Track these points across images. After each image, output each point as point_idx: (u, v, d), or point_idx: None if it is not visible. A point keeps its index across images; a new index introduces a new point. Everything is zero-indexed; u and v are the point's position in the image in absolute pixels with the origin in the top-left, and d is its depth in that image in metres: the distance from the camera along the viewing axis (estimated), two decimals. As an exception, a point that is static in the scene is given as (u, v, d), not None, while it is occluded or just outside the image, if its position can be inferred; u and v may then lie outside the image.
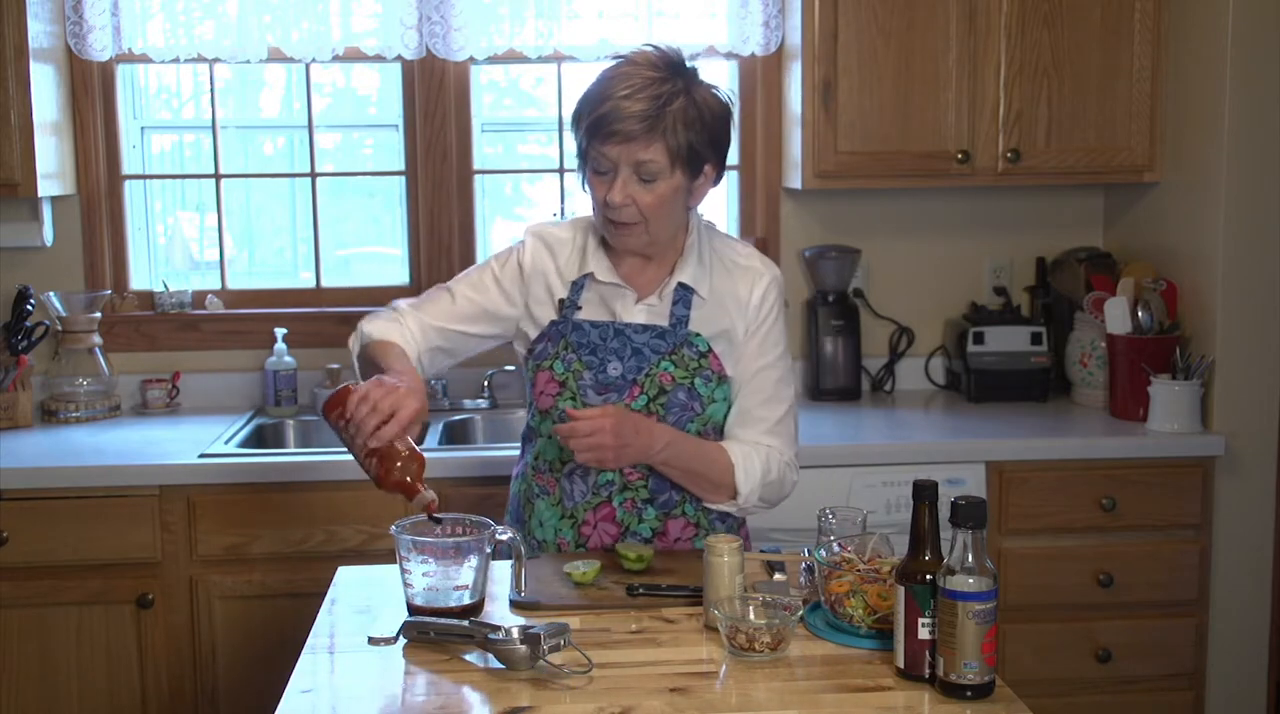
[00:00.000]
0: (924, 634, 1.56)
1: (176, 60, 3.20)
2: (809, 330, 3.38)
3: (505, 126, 3.55)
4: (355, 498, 2.74)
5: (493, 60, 3.31)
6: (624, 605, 1.87)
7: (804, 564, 1.93)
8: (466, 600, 1.82)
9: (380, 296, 3.39)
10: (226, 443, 2.93)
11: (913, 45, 3.06)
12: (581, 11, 3.25)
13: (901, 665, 1.59)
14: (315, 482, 2.76)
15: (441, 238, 3.37)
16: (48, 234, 3.25)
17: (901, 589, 1.57)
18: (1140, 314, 3.04)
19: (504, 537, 1.86)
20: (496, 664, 1.65)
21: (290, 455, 2.97)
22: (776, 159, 3.38)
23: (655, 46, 2.01)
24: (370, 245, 3.61)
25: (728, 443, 2.09)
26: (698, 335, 2.07)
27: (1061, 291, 3.38)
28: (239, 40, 3.18)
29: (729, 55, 3.33)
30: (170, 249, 3.52)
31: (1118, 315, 3.06)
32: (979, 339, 3.28)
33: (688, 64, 2.00)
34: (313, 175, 3.40)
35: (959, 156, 3.08)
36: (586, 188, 2.04)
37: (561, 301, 2.10)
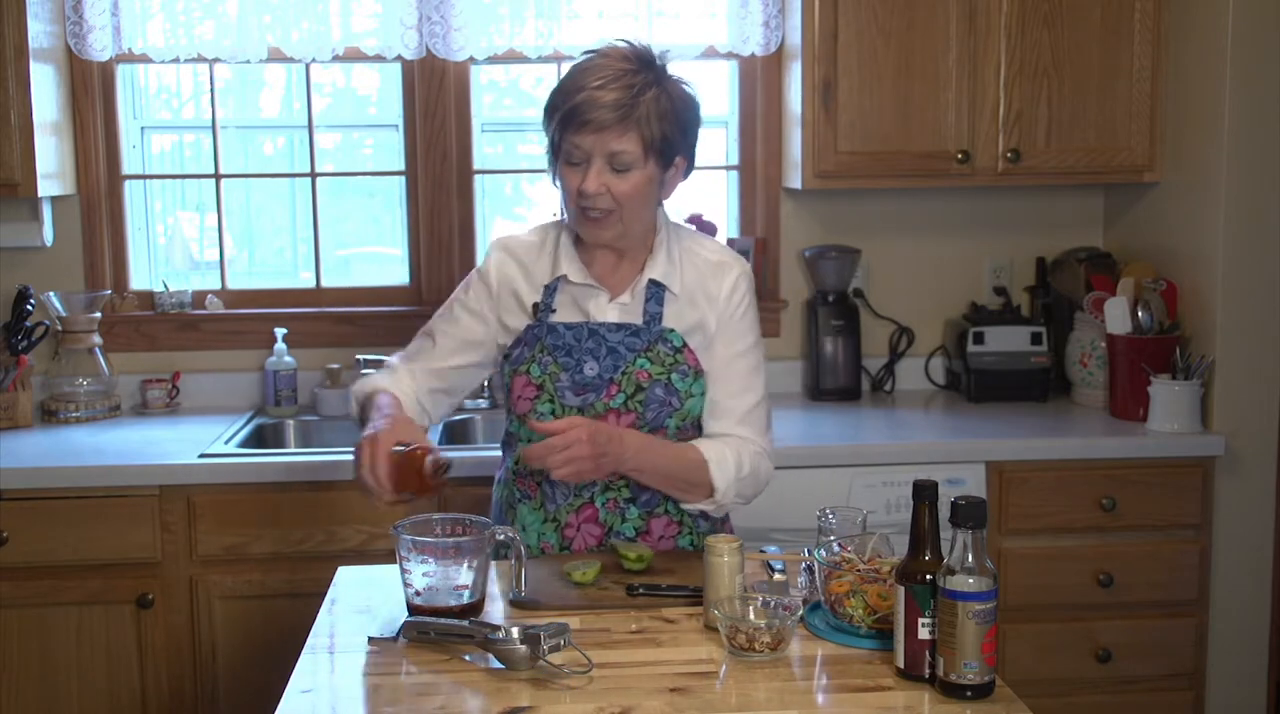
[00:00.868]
0: (924, 634, 1.56)
1: (176, 60, 3.20)
2: (809, 330, 3.38)
3: (505, 126, 3.55)
4: (355, 498, 2.73)
5: (493, 60, 3.31)
6: (624, 605, 1.87)
7: (804, 564, 1.93)
8: (466, 600, 1.82)
9: (380, 297, 3.42)
10: (226, 443, 2.93)
11: (913, 45, 3.06)
12: (581, 11, 3.25)
13: (901, 665, 1.59)
14: (315, 482, 2.76)
15: (441, 238, 3.37)
16: (48, 234, 3.25)
17: (901, 589, 1.57)
18: (1140, 314, 3.04)
19: (504, 537, 1.86)
20: (496, 664, 1.65)
21: (290, 455, 2.97)
22: (776, 159, 3.38)
23: (627, 41, 2.03)
24: (370, 245, 3.61)
25: (699, 441, 2.09)
26: (672, 331, 2.08)
27: (1061, 291, 3.38)
28: (239, 40, 3.18)
29: (729, 55, 3.33)
30: (170, 249, 3.52)
31: (1118, 315, 3.06)
32: (979, 339, 3.28)
33: (658, 60, 2.02)
34: (313, 175, 3.40)
35: (959, 156, 3.08)
36: (558, 182, 2.05)
37: (535, 306, 2.11)
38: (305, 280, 3.48)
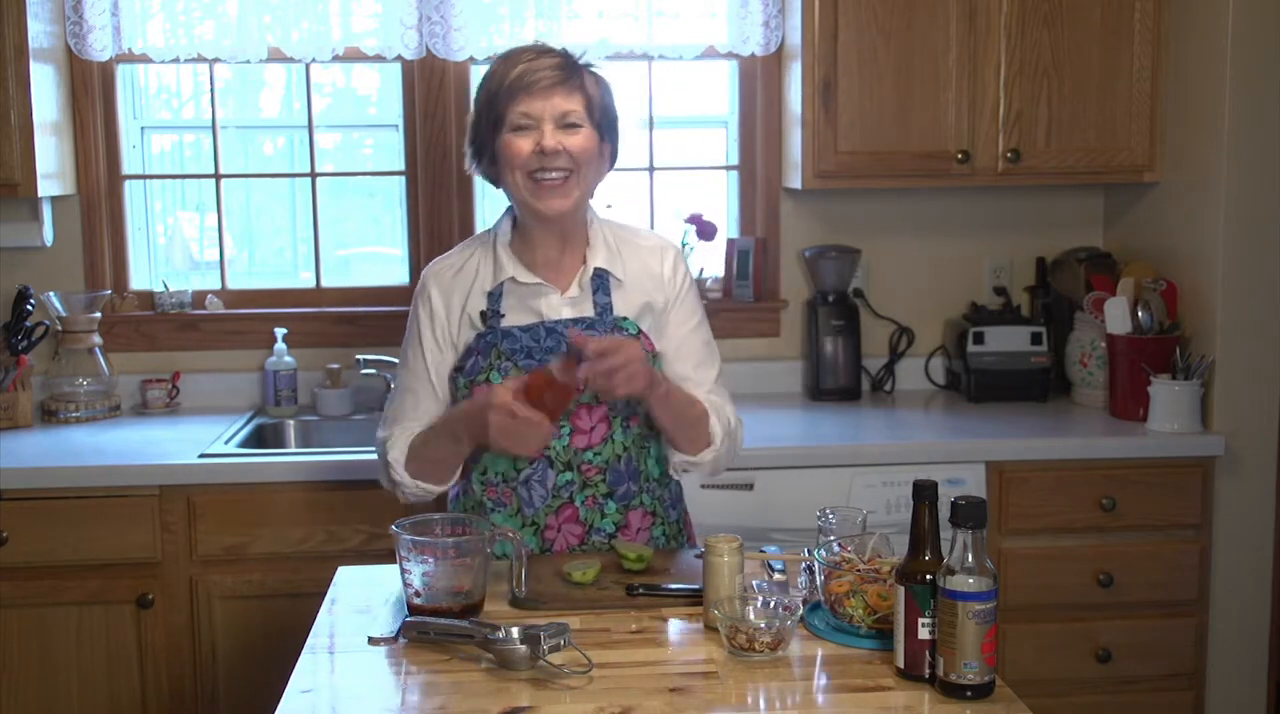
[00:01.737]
0: (924, 634, 1.56)
1: (176, 60, 3.20)
2: (809, 330, 3.38)
3: (505, 126, 3.54)
4: (355, 498, 2.74)
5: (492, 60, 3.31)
6: (624, 605, 1.87)
7: (804, 564, 1.93)
8: (466, 600, 1.82)
9: (380, 297, 3.42)
10: (226, 443, 2.93)
11: (913, 45, 3.06)
12: (581, 11, 3.25)
13: (901, 665, 1.59)
14: (315, 482, 2.76)
15: (441, 238, 3.37)
16: (48, 234, 3.25)
17: (901, 589, 1.57)
18: (1140, 314, 3.04)
19: (504, 537, 1.86)
20: (496, 664, 1.65)
21: (290, 455, 2.97)
22: (776, 159, 3.38)
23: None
24: (370, 245, 3.61)
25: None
26: (625, 319, 2.09)
27: (1061, 291, 3.38)
28: (239, 40, 3.18)
29: (729, 55, 3.33)
30: (170, 249, 3.52)
31: (1118, 315, 3.06)
32: (979, 339, 3.28)
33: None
34: (313, 175, 3.40)
35: (959, 156, 3.08)
36: (501, 160, 2.03)
37: (483, 314, 2.09)
38: (305, 280, 3.48)
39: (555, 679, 1.62)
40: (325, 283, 3.43)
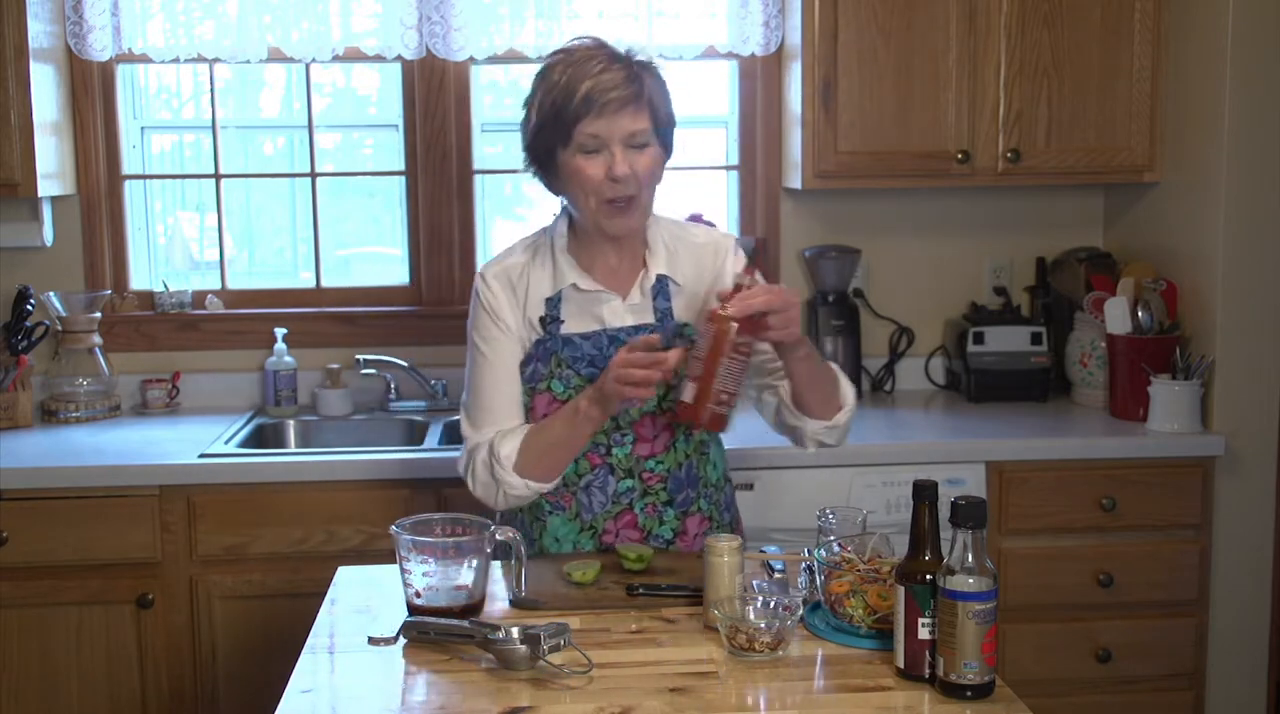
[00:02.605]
0: (924, 634, 1.56)
1: (176, 60, 3.20)
2: (809, 330, 3.38)
3: (505, 126, 3.54)
4: (355, 498, 2.74)
5: (493, 60, 3.31)
6: (624, 605, 1.87)
7: (804, 564, 1.93)
8: (466, 600, 1.82)
9: (380, 297, 3.42)
10: (226, 443, 2.93)
11: (913, 45, 3.05)
12: (581, 11, 3.25)
13: (901, 665, 1.59)
14: (315, 482, 2.76)
15: (441, 238, 3.37)
16: (48, 234, 3.25)
17: (901, 589, 1.57)
18: (1140, 314, 3.04)
19: (504, 537, 1.86)
20: (496, 664, 1.65)
21: (290, 455, 2.97)
22: (776, 159, 3.38)
23: (590, 37, 2.04)
24: (370, 245, 3.61)
25: None
26: (686, 325, 2.07)
27: (1061, 291, 3.38)
28: (239, 40, 3.17)
29: (729, 55, 3.33)
30: (170, 249, 3.52)
31: (1118, 315, 3.06)
32: (979, 339, 3.28)
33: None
34: (313, 175, 3.40)
35: (959, 156, 3.08)
36: (570, 180, 1.98)
37: (542, 319, 2.07)
38: (305, 280, 3.48)
39: (555, 679, 1.62)
40: (325, 283, 3.43)
